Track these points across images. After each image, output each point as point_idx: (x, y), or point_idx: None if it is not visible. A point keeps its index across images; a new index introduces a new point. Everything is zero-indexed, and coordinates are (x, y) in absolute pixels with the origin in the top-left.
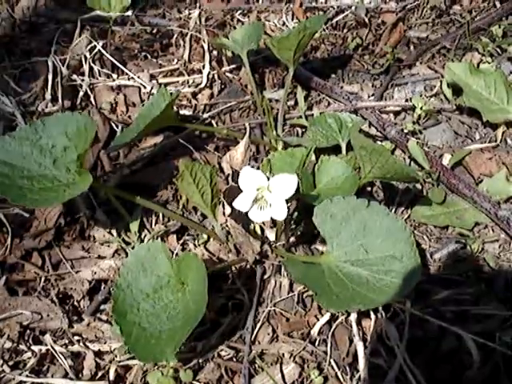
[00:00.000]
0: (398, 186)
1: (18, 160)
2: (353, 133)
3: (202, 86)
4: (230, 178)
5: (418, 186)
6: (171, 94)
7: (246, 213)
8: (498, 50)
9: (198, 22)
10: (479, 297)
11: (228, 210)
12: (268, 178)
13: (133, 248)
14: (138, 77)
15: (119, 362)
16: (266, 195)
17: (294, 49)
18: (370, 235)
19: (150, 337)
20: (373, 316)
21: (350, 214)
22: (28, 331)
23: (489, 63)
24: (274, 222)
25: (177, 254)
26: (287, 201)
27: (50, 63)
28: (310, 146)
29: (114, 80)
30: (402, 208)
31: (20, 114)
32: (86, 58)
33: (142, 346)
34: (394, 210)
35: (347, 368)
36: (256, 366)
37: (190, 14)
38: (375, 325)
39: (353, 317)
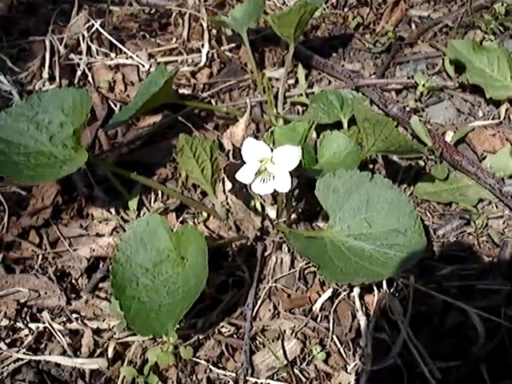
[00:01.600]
0: (400, 162)
1: (14, 136)
2: (356, 105)
3: (201, 64)
4: (230, 155)
5: (421, 162)
6: (170, 71)
7: (247, 188)
8: (501, 27)
9: (196, 1)
10: (484, 272)
11: (228, 186)
12: (271, 150)
13: None
14: (137, 56)
15: (118, 339)
16: (269, 167)
17: (295, 25)
18: (374, 209)
19: (150, 311)
20: (376, 291)
21: (353, 188)
22: (25, 309)
23: (491, 41)
24: (274, 199)
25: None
26: (290, 173)
27: (47, 42)
28: (310, 121)
29: (112, 59)
30: (405, 185)
31: (17, 92)
32: (83, 36)
33: (141, 319)
34: (396, 187)
35: (350, 343)
36: (257, 342)
37: None
38: (378, 300)
39: (355, 292)
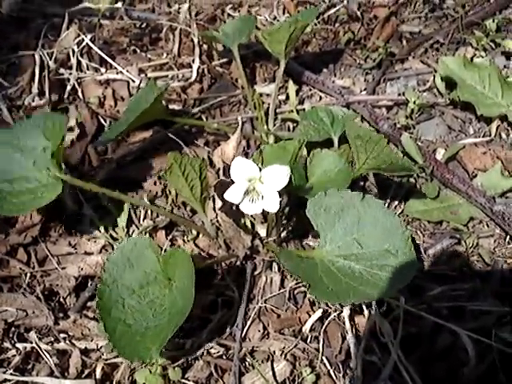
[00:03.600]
0: (390, 180)
1: (0, 163)
2: (348, 122)
3: (192, 80)
4: (221, 173)
5: (412, 180)
6: (160, 87)
7: (237, 207)
8: (492, 44)
9: (187, 16)
10: (474, 293)
11: (218, 204)
12: (260, 169)
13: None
14: (127, 71)
15: (106, 360)
16: (257, 186)
17: (286, 42)
18: (365, 229)
19: (135, 334)
20: (366, 312)
21: (344, 208)
22: (13, 328)
23: (482, 57)
24: (264, 217)
25: (165, 250)
26: (279, 193)
27: (37, 57)
28: (301, 140)
29: (102, 74)
30: (396, 203)
31: (6, 107)
32: (73, 51)
33: (126, 343)
34: (387, 205)
35: (340, 365)
36: (247, 363)
37: (179, 8)
38: (368, 321)
39: (345, 313)
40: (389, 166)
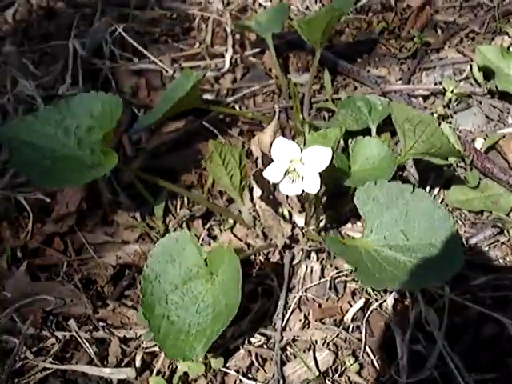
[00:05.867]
0: (429, 170)
1: (41, 140)
2: (395, 106)
3: (225, 70)
4: (259, 161)
5: (451, 170)
6: (197, 74)
7: (275, 196)
8: None
9: (219, 6)
10: None
11: (257, 193)
12: (301, 150)
13: (158, 233)
14: (160, 61)
15: (145, 348)
16: (298, 167)
17: (322, 30)
18: (412, 222)
19: (179, 332)
20: (409, 301)
21: (393, 199)
22: (51, 317)
23: None
24: (302, 207)
25: (203, 240)
26: (320, 175)
27: (70, 46)
28: (341, 128)
29: (135, 64)
30: (435, 193)
31: (40, 97)
32: (106, 41)
33: (171, 342)
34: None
35: (384, 355)
36: (288, 353)
37: None
38: (413, 310)
39: (389, 302)
40: (437, 151)
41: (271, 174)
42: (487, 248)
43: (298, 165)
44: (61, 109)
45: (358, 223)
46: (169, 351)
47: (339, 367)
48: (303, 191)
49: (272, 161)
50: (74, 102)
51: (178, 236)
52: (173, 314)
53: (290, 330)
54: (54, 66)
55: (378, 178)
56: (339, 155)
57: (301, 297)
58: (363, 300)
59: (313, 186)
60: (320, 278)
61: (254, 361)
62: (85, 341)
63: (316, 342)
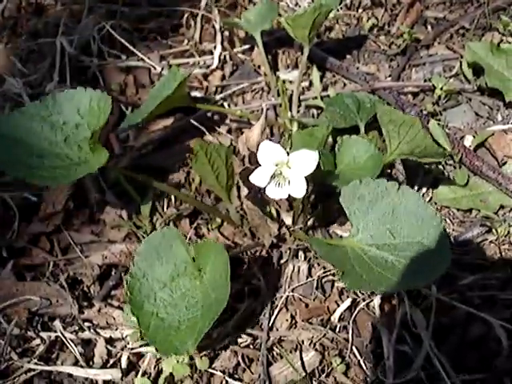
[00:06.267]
0: (418, 168)
1: (28, 137)
2: (380, 107)
3: (214, 67)
4: (246, 160)
5: (440, 168)
6: (183, 73)
7: (262, 195)
8: None
9: (208, 3)
10: (506, 282)
11: (244, 191)
12: (288, 154)
13: (145, 232)
14: (148, 58)
15: (131, 349)
16: (284, 171)
17: (310, 27)
18: (399, 220)
19: (169, 328)
20: (397, 301)
21: (379, 197)
22: (37, 317)
23: (509, 43)
24: (290, 205)
25: (190, 239)
26: (306, 178)
27: (57, 44)
28: (328, 126)
29: (123, 61)
30: (423, 191)
31: (27, 95)
32: (94, 38)
33: (161, 337)
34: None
35: (370, 355)
36: (274, 353)
37: None
38: (400, 310)
39: (376, 302)
40: (421, 151)
41: (257, 178)
42: (475, 247)
43: (284, 169)
44: (47, 104)
45: (347, 222)
46: (160, 347)
47: (326, 368)
48: (289, 195)
49: (258, 160)
50: (60, 98)
51: (164, 233)
52: (162, 311)
53: (277, 330)
54: (41, 63)
55: (364, 177)
56: (326, 154)
57: (288, 296)
58: (350, 300)
59: (299, 191)
60: (307, 278)
61: (241, 361)
62: (70, 341)
63: (303, 342)
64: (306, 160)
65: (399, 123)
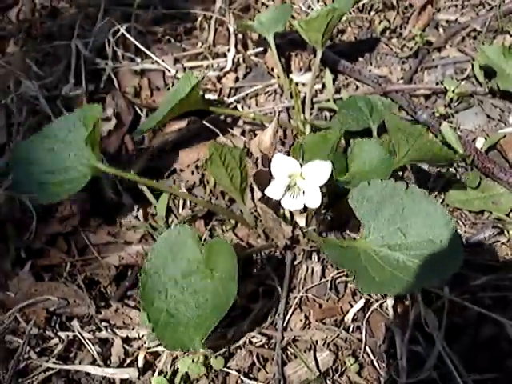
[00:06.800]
0: (430, 170)
1: (40, 156)
2: (387, 115)
3: (227, 69)
4: (259, 162)
5: (452, 170)
6: (196, 77)
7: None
8: None
9: (222, 5)
10: None
11: (257, 194)
12: (301, 165)
13: (160, 233)
14: (163, 60)
15: (148, 348)
16: (299, 182)
17: (323, 31)
18: (409, 219)
19: (178, 324)
20: (410, 302)
21: (388, 198)
22: (55, 317)
23: None
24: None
25: (205, 240)
26: (321, 188)
27: (72, 46)
28: (341, 129)
29: (137, 64)
30: (435, 193)
31: (43, 97)
32: (109, 41)
33: (169, 333)
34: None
35: (383, 355)
36: (289, 353)
37: None
38: (413, 311)
39: (389, 303)
40: (431, 158)
41: (273, 191)
42: (487, 248)
43: (298, 180)
44: (57, 125)
45: (359, 223)
46: (168, 343)
47: (339, 367)
48: (304, 205)
49: (271, 161)
50: (68, 118)
51: (179, 230)
52: (172, 307)
53: (291, 330)
54: (57, 66)
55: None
56: (338, 157)
57: (302, 297)
58: (363, 300)
59: (314, 201)
60: (321, 279)
61: (255, 361)
62: (88, 341)
63: (316, 342)
64: (320, 170)
65: (406, 133)
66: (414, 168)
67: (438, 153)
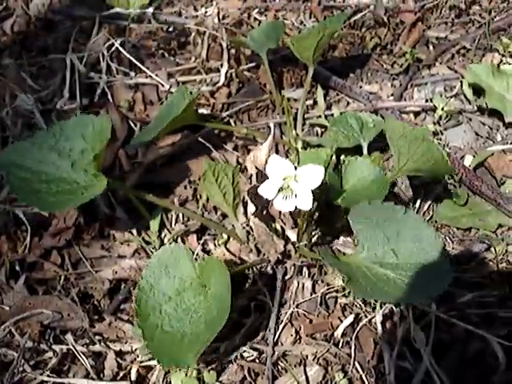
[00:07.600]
0: (419, 186)
1: (37, 164)
2: (390, 122)
3: (220, 84)
4: (253, 178)
5: (440, 186)
6: (191, 92)
7: (268, 212)
8: None
9: (215, 20)
10: (504, 300)
11: (251, 209)
12: (295, 168)
13: (153, 248)
14: (156, 75)
15: (141, 362)
16: (292, 184)
17: (314, 48)
18: (403, 242)
19: (172, 341)
20: (398, 318)
21: (386, 219)
22: (49, 330)
23: (509, 64)
24: (295, 223)
25: (197, 254)
26: (312, 192)
27: (67, 60)
28: (332, 146)
29: (131, 78)
30: (425, 209)
31: (38, 111)
32: (103, 55)
33: (164, 350)
34: (416, 210)
35: (372, 370)
36: (279, 367)
37: (206, 12)
38: (401, 327)
39: (378, 319)
40: (430, 167)
41: (265, 190)
42: (474, 265)
43: (291, 182)
44: (55, 133)
45: (349, 239)
46: (162, 359)
47: (329, 382)
48: (296, 207)
49: (267, 178)
50: (67, 126)
51: (172, 249)
52: (166, 324)
53: (282, 344)
54: (51, 79)
55: (369, 199)
56: (331, 175)
57: (292, 312)
58: (353, 316)
59: (306, 203)
60: (311, 294)
61: (247, 375)
62: (81, 354)
63: (307, 356)
64: (313, 174)
65: (411, 137)
66: (407, 183)
67: (439, 160)
